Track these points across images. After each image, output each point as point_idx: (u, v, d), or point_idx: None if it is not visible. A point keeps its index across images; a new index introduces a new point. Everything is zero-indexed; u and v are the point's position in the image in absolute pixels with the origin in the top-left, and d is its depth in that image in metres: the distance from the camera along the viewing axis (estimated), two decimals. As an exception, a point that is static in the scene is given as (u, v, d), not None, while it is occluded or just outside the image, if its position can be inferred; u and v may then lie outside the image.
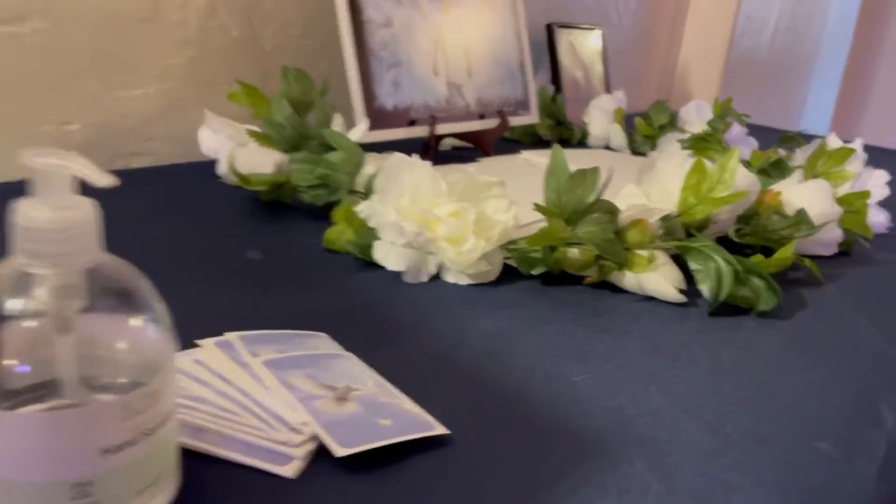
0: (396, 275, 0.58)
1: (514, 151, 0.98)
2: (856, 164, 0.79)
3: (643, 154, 1.04)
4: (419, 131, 0.86)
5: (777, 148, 0.93)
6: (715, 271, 0.56)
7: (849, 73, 2.39)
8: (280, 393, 0.37)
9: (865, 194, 0.74)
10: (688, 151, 0.89)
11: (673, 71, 1.68)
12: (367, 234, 0.59)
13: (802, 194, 0.69)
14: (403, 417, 0.37)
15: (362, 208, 0.59)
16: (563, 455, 0.37)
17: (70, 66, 0.77)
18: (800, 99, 2.33)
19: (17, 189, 0.28)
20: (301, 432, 0.35)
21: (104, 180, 0.26)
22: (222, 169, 0.72)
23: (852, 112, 2.45)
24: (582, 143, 1.12)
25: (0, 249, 0.27)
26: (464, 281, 0.58)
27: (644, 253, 0.58)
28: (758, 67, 2.00)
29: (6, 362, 0.26)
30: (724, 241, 0.63)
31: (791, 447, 0.40)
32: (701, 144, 0.92)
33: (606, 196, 0.59)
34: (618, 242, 0.58)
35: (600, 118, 1.10)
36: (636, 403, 0.43)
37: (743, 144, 1.01)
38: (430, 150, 0.86)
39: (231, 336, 0.42)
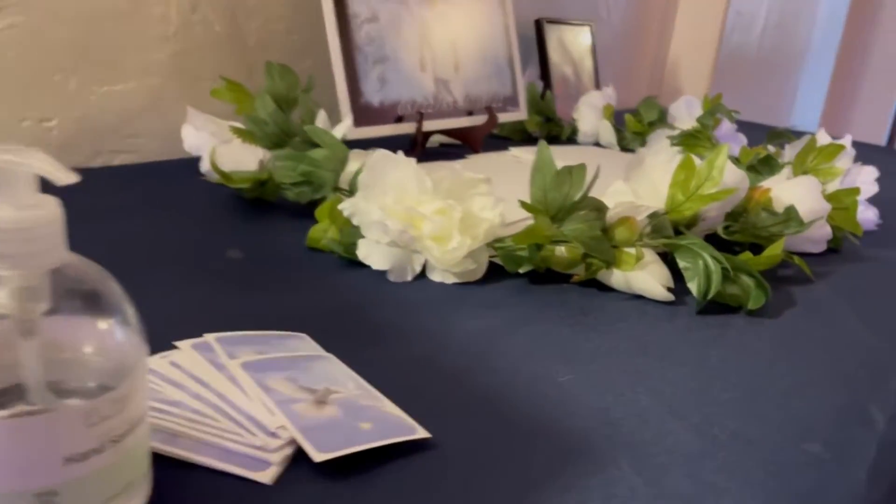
0: (381, 273, 0.57)
1: (502, 148, 0.97)
2: (845, 161, 0.78)
3: (632, 150, 1.03)
4: (406, 128, 0.85)
5: (766, 144, 0.93)
6: (703, 269, 0.56)
7: (838, 69, 2.40)
8: (257, 396, 0.36)
9: (855, 191, 0.73)
10: (677, 148, 0.88)
11: (662, 67, 1.68)
12: (352, 233, 0.58)
13: (792, 191, 0.68)
14: (384, 421, 0.36)
15: (346, 206, 0.58)
16: (548, 458, 0.36)
17: (48, 61, 0.75)
18: (789, 95, 2.33)
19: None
20: (279, 437, 0.34)
21: (66, 178, 0.25)
22: (205, 166, 0.71)
23: (841, 108, 2.46)
24: (571, 139, 1.11)
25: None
26: (449, 280, 0.57)
27: (632, 251, 0.57)
28: (747, 64, 2.00)
29: (-34, 368, 0.25)
30: (712, 239, 0.63)
31: (780, 449, 0.39)
32: (690, 141, 0.91)
33: (594, 193, 0.58)
34: (605, 240, 0.57)
35: (590, 114, 1.09)
36: (623, 404, 0.42)
37: (732, 141, 1.01)
38: (417, 146, 0.86)
39: (209, 337, 0.41)
